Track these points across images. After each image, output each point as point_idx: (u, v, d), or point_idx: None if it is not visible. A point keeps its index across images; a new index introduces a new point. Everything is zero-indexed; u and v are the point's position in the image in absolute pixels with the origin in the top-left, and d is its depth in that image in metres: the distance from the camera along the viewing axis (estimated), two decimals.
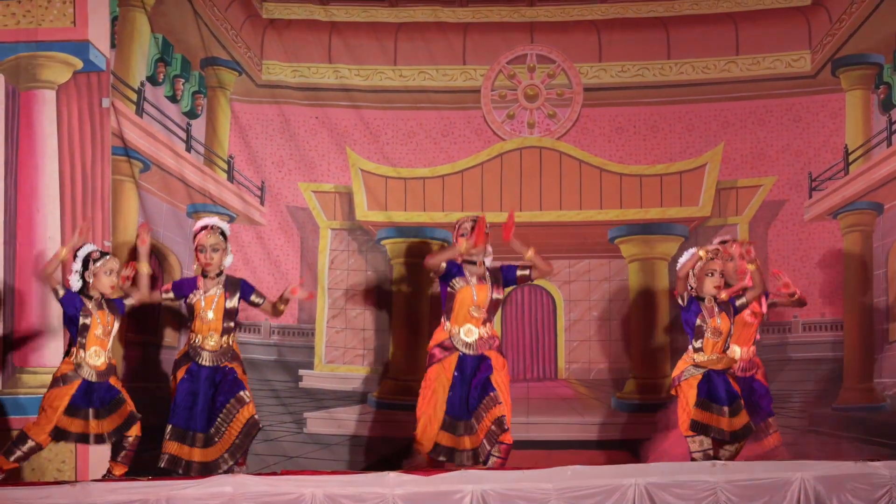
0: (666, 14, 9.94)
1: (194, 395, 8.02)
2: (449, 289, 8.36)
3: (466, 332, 8.28)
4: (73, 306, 7.79)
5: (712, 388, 7.75)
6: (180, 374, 8.09)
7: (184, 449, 7.97)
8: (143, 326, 9.29)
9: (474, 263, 8.38)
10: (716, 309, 7.91)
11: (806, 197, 9.73)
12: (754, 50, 9.86)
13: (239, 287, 8.24)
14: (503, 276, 8.42)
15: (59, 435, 7.73)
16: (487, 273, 8.39)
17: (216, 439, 7.98)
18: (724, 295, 8.02)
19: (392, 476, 7.17)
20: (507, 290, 8.65)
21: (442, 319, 8.41)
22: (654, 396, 9.62)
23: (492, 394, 8.17)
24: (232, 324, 8.17)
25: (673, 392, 7.98)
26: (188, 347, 8.15)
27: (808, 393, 9.43)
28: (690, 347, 7.91)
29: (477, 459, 8.18)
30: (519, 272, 8.45)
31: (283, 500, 7.05)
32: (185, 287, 8.23)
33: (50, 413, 7.70)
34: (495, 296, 8.35)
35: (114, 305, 7.95)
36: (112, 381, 7.84)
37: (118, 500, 7.04)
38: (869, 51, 9.59)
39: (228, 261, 8.28)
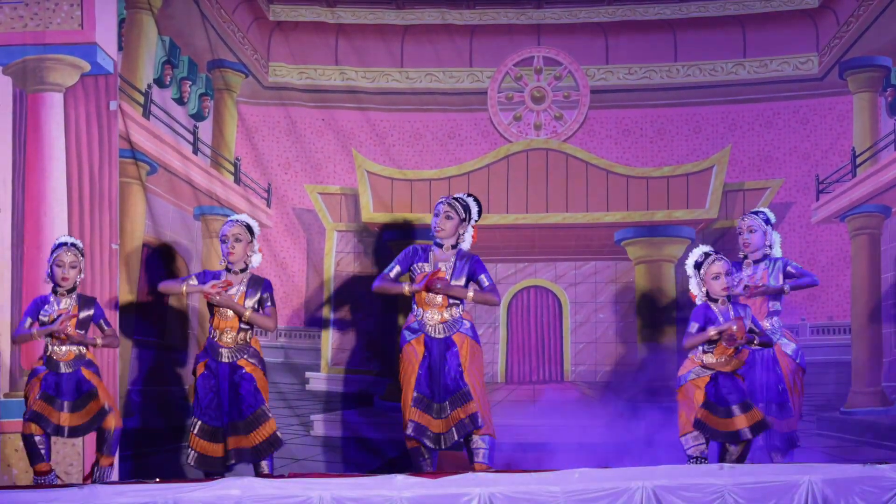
0: (673, 16, 9.94)
1: (216, 392, 8.01)
2: (411, 274, 8.30)
3: (430, 315, 8.22)
4: (35, 311, 7.94)
5: (719, 390, 7.72)
6: (199, 369, 8.07)
7: (215, 447, 7.96)
8: (150, 329, 9.30)
9: (441, 247, 8.31)
10: (731, 312, 7.84)
11: (813, 199, 9.73)
12: (761, 52, 9.85)
13: (262, 286, 8.14)
14: (471, 267, 8.25)
15: (34, 417, 7.78)
16: (454, 258, 8.27)
17: (245, 432, 7.95)
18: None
19: (400, 478, 7.16)
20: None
21: (412, 303, 8.36)
22: (661, 399, 9.62)
23: (463, 389, 8.11)
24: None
25: (678, 394, 7.95)
26: (207, 342, 8.13)
27: (816, 396, 9.42)
28: (700, 348, 7.84)
29: (439, 444, 8.11)
30: (479, 277, 8.25)
31: (291, 503, 7.05)
32: (207, 277, 8.12)
33: (28, 403, 7.86)
34: (454, 282, 8.18)
35: (84, 299, 7.98)
36: (86, 374, 7.87)
37: (125, 503, 7.04)
38: (876, 53, 9.60)
39: (256, 260, 8.17)
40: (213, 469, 7.96)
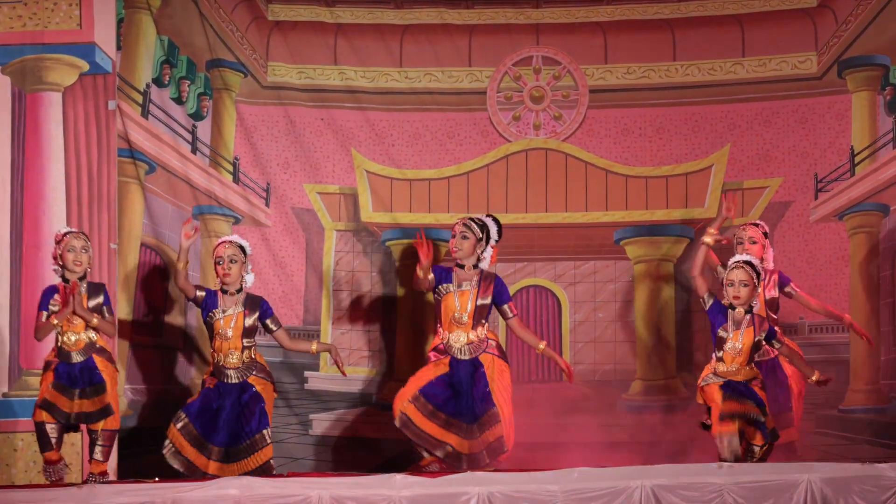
0: (672, 16, 9.94)
1: (219, 409, 8.00)
2: (436, 295, 8.37)
3: (456, 337, 8.28)
4: (46, 303, 7.92)
5: (734, 391, 7.71)
6: (210, 382, 8.09)
7: (201, 459, 7.95)
8: (149, 329, 9.30)
9: (463, 267, 8.37)
10: (745, 320, 7.85)
11: (812, 198, 9.73)
12: (760, 51, 9.85)
13: (259, 306, 8.20)
14: (496, 289, 8.36)
15: (46, 405, 7.80)
16: (477, 278, 8.34)
17: (235, 460, 7.97)
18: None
19: (399, 478, 7.17)
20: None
21: (437, 325, 8.42)
22: (660, 398, 9.64)
23: (492, 410, 8.17)
24: (251, 341, 8.14)
25: (698, 399, 7.96)
26: (213, 366, 8.14)
27: (814, 395, 9.41)
28: (713, 355, 7.88)
29: (460, 462, 8.14)
30: (504, 306, 8.39)
31: (290, 503, 7.05)
32: (208, 301, 8.14)
33: (40, 392, 7.86)
34: (480, 302, 8.28)
35: (93, 287, 8.00)
36: (98, 362, 7.90)
37: (124, 503, 7.04)
38: (875, 52, 9.58)
39: (249, 280, 8.20)
40: (189, 472, 7.95)
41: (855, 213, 9.59)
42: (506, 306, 8.38)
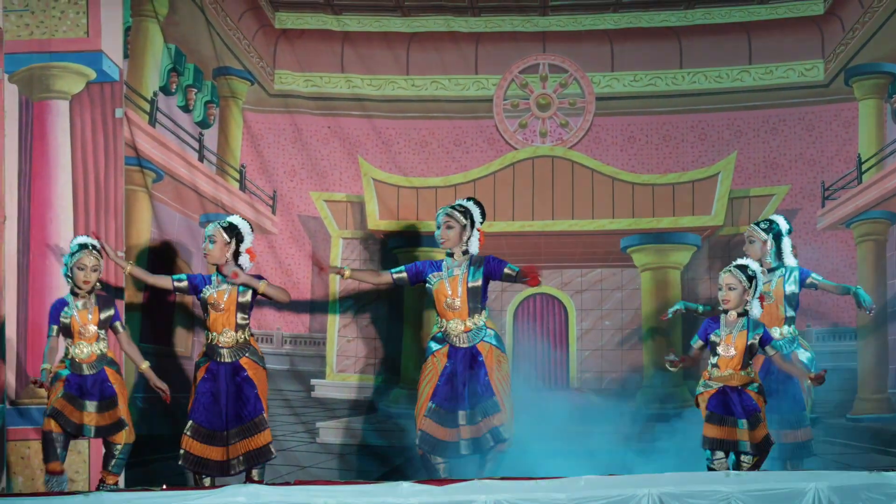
0: (678, 23, 9.94)
1: (215, 394, 8.08)
2: (427, 285, 8.45)
3: (453, 325, 8.34)
4: (56, 316, 7.98)
5: (727, 402, 7.74)
6: (200, 373, 8.17)
7: (211, 450, 8.04)
8: (156, 336, 9.30)
9: (453, 255, 8.42)
10: (738, 324, 7.85)
11: (819, 206, 9.72)
12: (767, 59, 9.85)
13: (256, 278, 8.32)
14: (486, 267, 8.40)
15: (54, 413, 7.81)
16: (466, 263, 8.41)
17: (240, 439, 8.07)
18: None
19: (405, 486, 7.16)
20: (500, 281, 8.57)
21: (437, 317, 8.46)
22: (667, 406, 9.62)
23: (492, 399, 8.23)
24: (246, 318, 8.23)
25: (696, 405, 8.01)
26: (205, 347, 8.21)
27: (822, 403, 9.40)
28: (709, 361, 7.91)
29: (457, 452, 8.25)
30: (506, 269, 8.41)
31: None
32: (197, 282, 8.28)
33: (49, 402, 7.88)
34: (471, 284, 8.36)
35: (103, 299, 8.06)
36: (110, 374, 7.94)
37: None
38: (882, 60, 9.59)
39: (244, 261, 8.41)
40: (205, 471, 8.03)
41: (862, 220, 9.59)
42: (505, 270, 8.39)
